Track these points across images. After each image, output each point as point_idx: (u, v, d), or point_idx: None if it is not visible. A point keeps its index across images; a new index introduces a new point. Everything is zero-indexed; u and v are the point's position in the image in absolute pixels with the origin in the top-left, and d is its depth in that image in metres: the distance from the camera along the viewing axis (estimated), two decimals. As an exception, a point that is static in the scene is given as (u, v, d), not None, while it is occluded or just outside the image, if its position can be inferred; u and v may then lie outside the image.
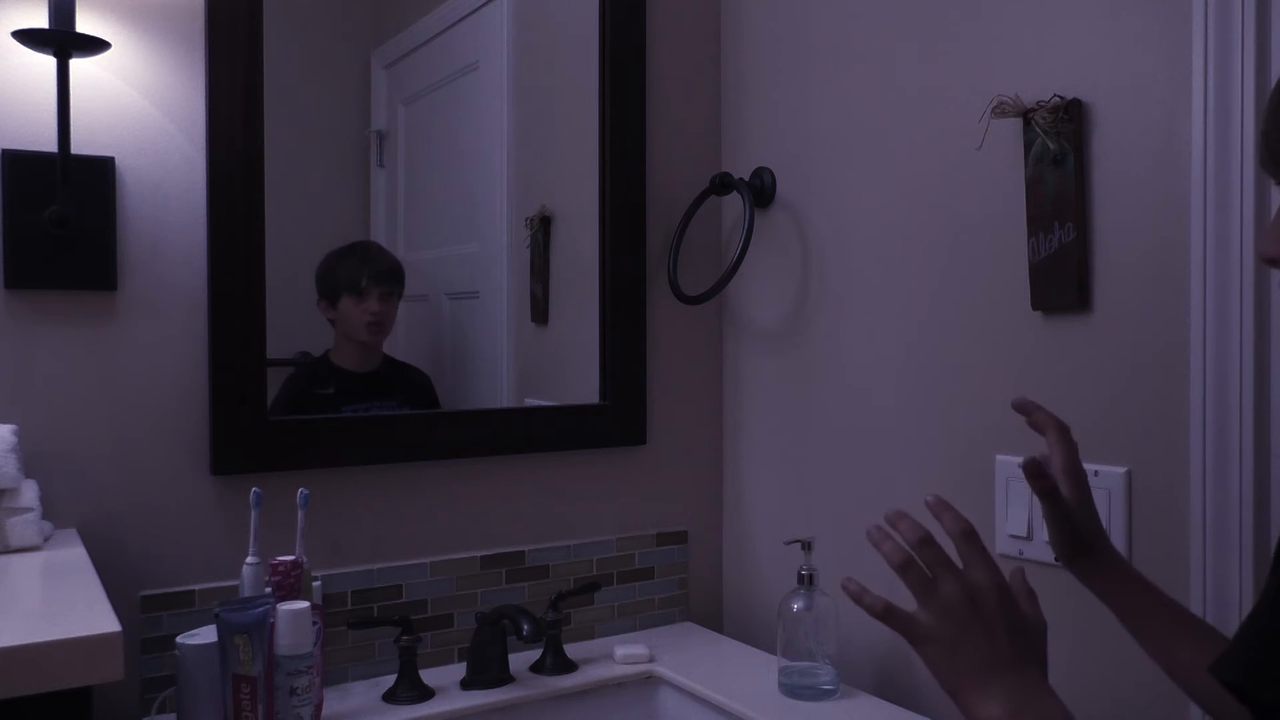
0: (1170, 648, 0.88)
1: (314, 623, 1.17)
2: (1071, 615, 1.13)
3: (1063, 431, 0.94)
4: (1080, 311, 1.17)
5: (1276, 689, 0.60)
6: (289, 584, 1.18)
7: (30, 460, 1.20)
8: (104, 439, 1.26)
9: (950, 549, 0.78)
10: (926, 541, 0.77)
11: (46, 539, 1.16)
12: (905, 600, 0.77)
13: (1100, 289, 1.15)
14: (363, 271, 1.47)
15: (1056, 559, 0.94)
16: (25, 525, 1.12)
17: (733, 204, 1.68)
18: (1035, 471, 0.87)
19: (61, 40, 1.16)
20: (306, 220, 1.43)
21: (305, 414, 1.39)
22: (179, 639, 1.14)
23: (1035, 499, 1.20)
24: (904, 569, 0.76)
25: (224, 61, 1.29)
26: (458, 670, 1.41)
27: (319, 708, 1.20)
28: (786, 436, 1.59)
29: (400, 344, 1.52)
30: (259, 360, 1.32)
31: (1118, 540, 1.12)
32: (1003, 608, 0.76)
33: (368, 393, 1.47)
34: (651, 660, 1.46)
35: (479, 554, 1.49)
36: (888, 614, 0.77)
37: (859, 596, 0.78)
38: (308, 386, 1.45)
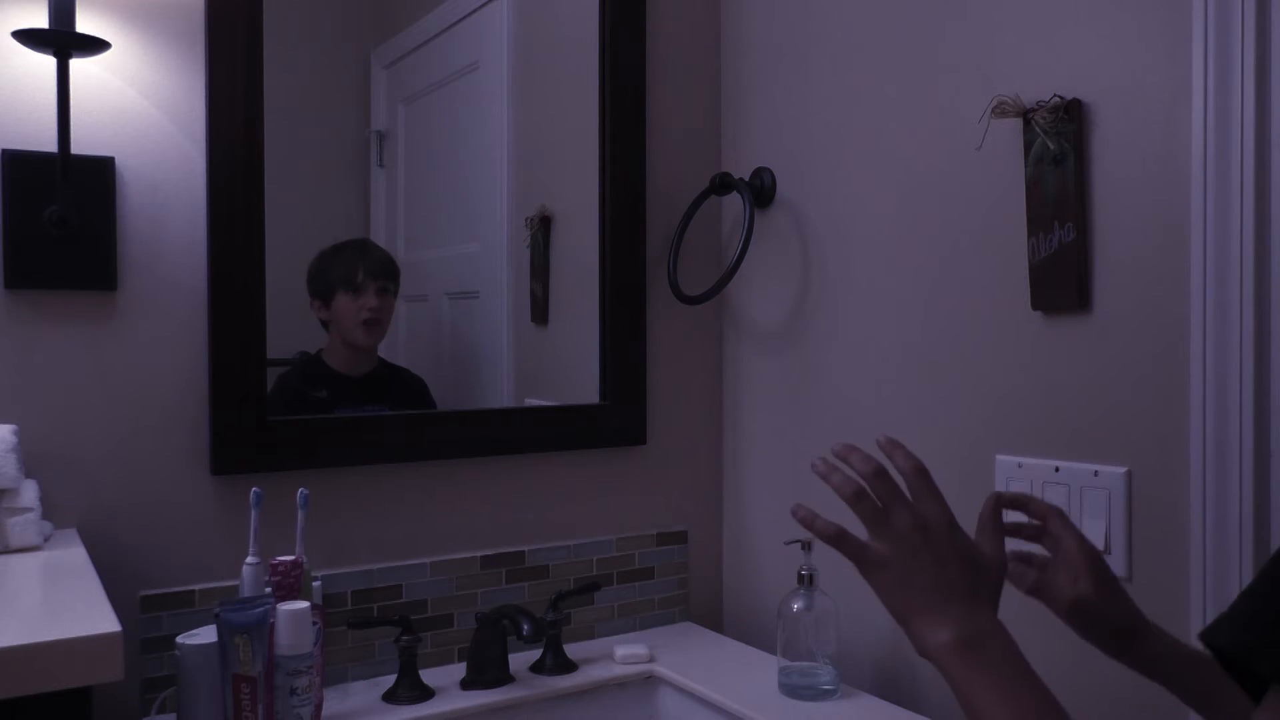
0: None
1: (314, 623, 1.17)
2: (1071, 615, 1.13)
3: (1062, 516, 0.90)
4: (1080, 311, 1.17)
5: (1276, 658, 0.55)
6: (289, 584, 1.18)
7: (30, 460, 1.20)
8: (104, 439, 1.26)
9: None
10: (879, 473, 0.77)
11: (46, 539, 1.16)
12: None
13: (1100, 289, 1.15)
14: (359, 266, 1.45)
15: (1110, 656, 0.88)
16: (25, 525, 1.12)
17: (733, 204, 1.68)
18: (1014, 573, 0.85)
19: (61, 40, 1.16)
20: (307, 220, 1.43)
21: (303, 415, 1.38)
22: (179, 639, 1.14)
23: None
24: (856, 499, 0.76)
25: (224, 61, 1.29)
26: (458, 670, 1.41)
27: (319, 708, 1.20)
28: (786, 436, 1.59)
29: (400, 344, 1.51)
30: (259, 360, 1.32)
31: (1118, 540, 1.13)
32: (953, 539, 0.76)
33: (361, 397, 1.46)
34: (651, 660, 1.46)
35: (479, 554, 1.49)
36: (839, 539, 0.77)
37: (809, 521, 0.78)
38: (300, 388, 1.43)
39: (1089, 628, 0.87)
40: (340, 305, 1.44)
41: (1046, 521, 0.91)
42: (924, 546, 0.75)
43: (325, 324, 1.45)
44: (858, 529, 0.78)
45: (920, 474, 0.78)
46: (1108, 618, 0.87)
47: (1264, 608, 0.58)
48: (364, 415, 1.43)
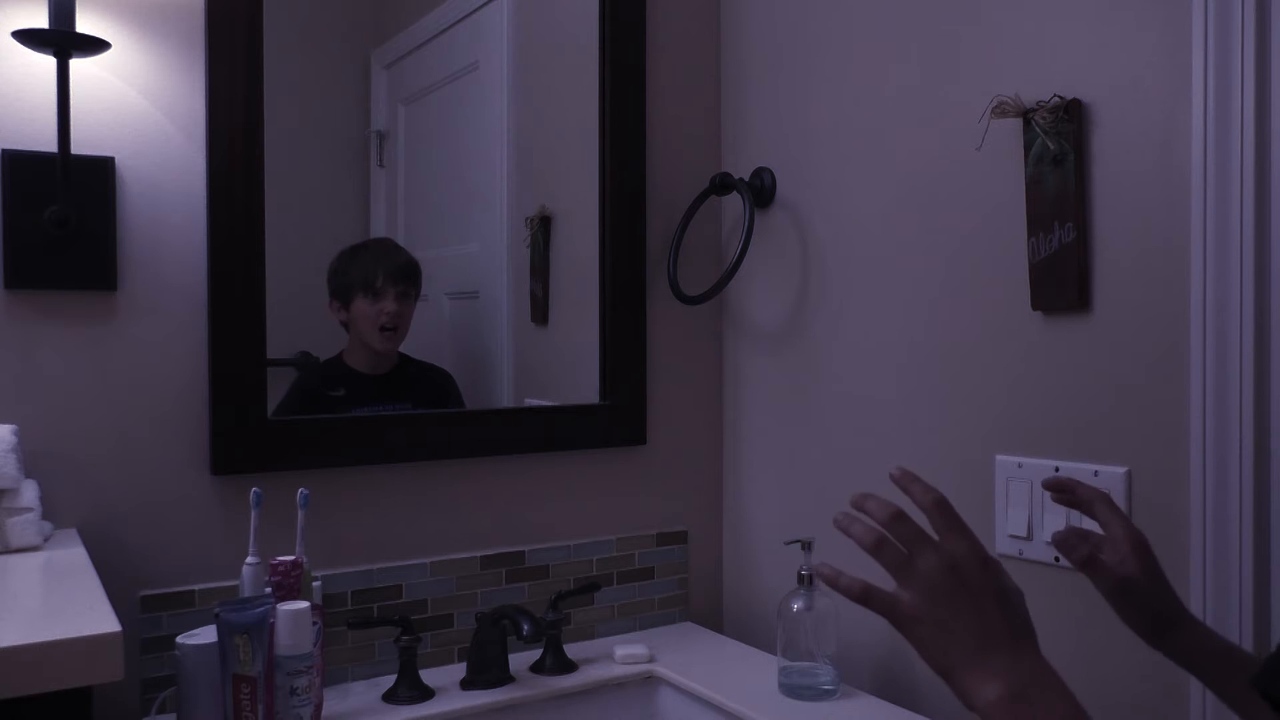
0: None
1: (314, 623, 1.17)
2: (1071, 616, 1.13)
3: (1108, 501, 0.89)
4: (1080, 311, 1.17)
5: None
6: (289, 584, 1.18)
7: (30, 460, 1.20)
8: (104, 439, 1.26)
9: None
10: (898, 517, 0.73)
11: (46, 539, 1.16)
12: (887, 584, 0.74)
13: (1100, 289, 1.15)
14: (378, 270, 1.44)
15: (1147, 643, 0.87)
16: (25, 525, 1.12)
17: (733, 204, 1.68)
18: (1069, 543, 0.81)
19: (61, 40, 1.16)
20: (306, 220, 1.43)
21: (307, 414, 1.39)
22: (179, 639, 1.14)
23: (1039, 505, 1.21)
24: (877, 549, 0.73)
25: (224, 61, 1.29)
26: (458, 670, 1.41)
27: (319, 708, 1.20)
28: (786, 436, 1.59)
29: (402, 345, 1.51)
30: (259, 360, 1.32)
31: (1118, 540, 1.12)
32: (988, 577, 0.71)
33: (379, 395, 1.45)
34: (651, 660, 1.46)
35: (479, 554, 1.49)
36: (867, 595, 0.73)
37: (834, 580, 0.74)
38: (319, 387, 1.43)
39: (1131, 611, 0.86)
40: (359, 308, 1.44)
41: (1093, 506, 0.89)
42: (959, 591, 0.70)
43: (345, 325, 1.44)
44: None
45: (941, 506, 0.74)
46: (1150, 603, 0.86)
47: None
48: (364, 416, 1.43)
